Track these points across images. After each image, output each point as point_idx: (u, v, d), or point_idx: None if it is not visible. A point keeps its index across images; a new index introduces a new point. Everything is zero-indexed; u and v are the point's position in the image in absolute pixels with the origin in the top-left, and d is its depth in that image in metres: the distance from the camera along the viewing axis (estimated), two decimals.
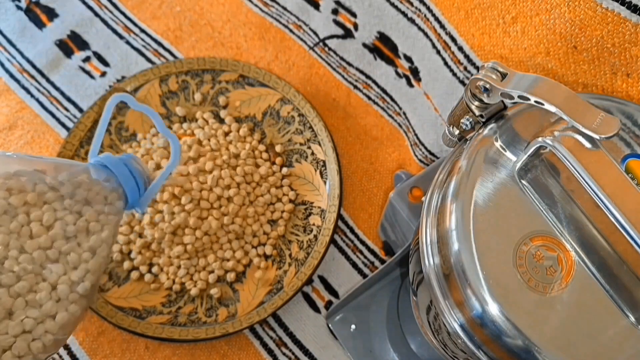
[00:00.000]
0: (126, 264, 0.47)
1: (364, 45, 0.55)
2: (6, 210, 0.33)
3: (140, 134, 0.52)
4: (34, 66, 0.57)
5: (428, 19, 0.47)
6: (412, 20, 0.49)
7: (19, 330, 0.32)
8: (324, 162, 0.51)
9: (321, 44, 0.57)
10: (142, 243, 0.47)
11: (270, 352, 0.47)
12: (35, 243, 0.33)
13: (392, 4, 0.51)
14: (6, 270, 0.32)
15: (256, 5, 0.58)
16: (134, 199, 0.39)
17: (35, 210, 0.34)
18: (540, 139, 0.27)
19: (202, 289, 0.47)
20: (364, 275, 0.50)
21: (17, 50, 0.58)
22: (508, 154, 0.29)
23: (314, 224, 0.49)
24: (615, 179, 0.26)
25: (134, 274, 0.47)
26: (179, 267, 0.47)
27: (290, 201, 0.50)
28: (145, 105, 0.41)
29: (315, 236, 0.48)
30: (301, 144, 0.52)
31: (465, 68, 0.44)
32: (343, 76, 0.56)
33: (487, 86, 0.29)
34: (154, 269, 0.47)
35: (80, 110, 0.55)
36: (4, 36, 0.58)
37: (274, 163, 0.52)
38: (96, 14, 0.59)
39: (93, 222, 0.36)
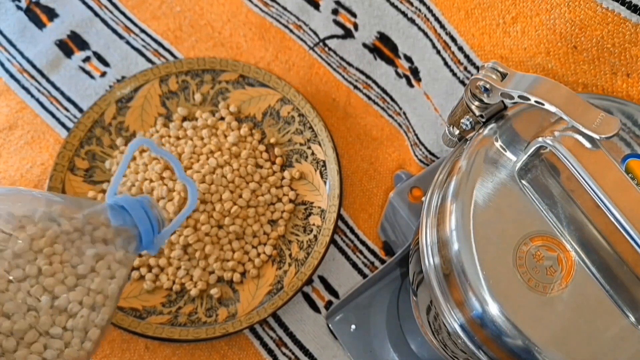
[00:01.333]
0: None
1: (364, 45, 0.55)
2: (25, 251, 0.34)
3: (140, 133, 0.52)
4: (34, 66, 0.57)
5: (428, 19, 0.47)
6: (412, 20, 0.49)
7: None
8: (324, 162, 0.51)
9: (321, 44, 0.57)
10: None
11: (270, 352, 0.47)
12: (52, 281, 0.34)
13: (392, 4, 0.51)
14: (24, 306, 0.33)
15: (256, 5, 0.58)
16: (148, 240, 0.40)
17: (51, 250, 0.35)
18: (540, 139, 0.27)
19: (202, 290, 0.47)
20: (364, 275, 0.50)
21: (17, 50, 0.58)
22: (508, 154, 0.29)
23: (314, 224, 0.49)
24: (615, 179, 0.26)
25: (134, 274, 0.47)
26: (178, 267, 0.47)
27: (290, 201, 0.50)
28: (167, 151, 0.42)
29: (315, 236, 0.49)
30: (301, 144, 0.52)
31: (465, 68, 0.44)
32: (343, 76, 0.56)
33: (487, 86, 0.29)
34: (154, 270, 0.47)
35: (80, 110, 0.55)
36: (4, 36, 0.58)
37: (274, 163, 0.52)
38: (96, 14, 0.59)
39: (107, 261, 0.37)
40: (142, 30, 0.58)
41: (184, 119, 0.53)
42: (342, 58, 0.56)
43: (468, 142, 0.31)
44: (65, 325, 0.34)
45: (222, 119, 0.53)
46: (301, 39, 0.57)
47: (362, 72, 0.56)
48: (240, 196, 0.48)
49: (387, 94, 0.55)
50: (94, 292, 0.35)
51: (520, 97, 0.28)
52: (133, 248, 0.39)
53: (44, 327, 0.33)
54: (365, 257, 0.50)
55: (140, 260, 0.47)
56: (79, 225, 0.36)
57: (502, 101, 0.30)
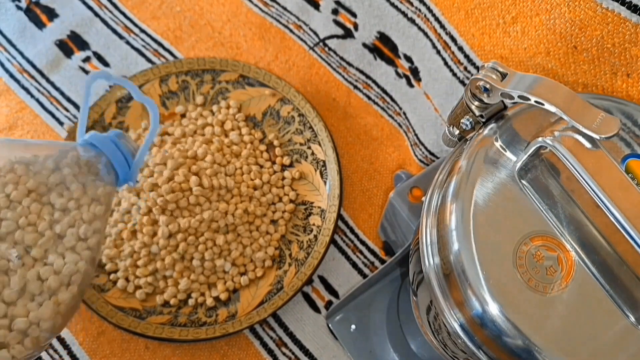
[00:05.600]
0: (121, 282, 0.47)
1: (364, 45, 0.55)
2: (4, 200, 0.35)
3: (139, 131, 0.52)
4: (34, 66, 0.57)
5: (428, 19, 0.47)
6: (412, 20, 0.49)
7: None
8: (324, 162, 0.51)
9: (321, 44, 0.57)
10: (142, 248, 0.47)
11: (270, 352, 0.47)
12: (33, 226, 0.35)
13: (392, 4, 0.51)
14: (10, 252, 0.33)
15: (256, 5, 0.58)
16: (124, 172, 0.40)
17: (30, 195, 0.35)
18: (540, 139, 0.27)
19: (202, 292, 0.47)
20: (364, 275, 0.50)
21: (17, 50, 0.58)
22: (508, 154, 0.29)
23: (314, 224, 0.49)
24: (615, 179, 0.26)
25: (136, 281, 0.47)
26: (177, 268, 0.47)
27: (291, 201, 0.50)
28: (119, 78, 0.42)
29: (315, 236, 0.49)
30: (301, 144, 0.52)
31: (465, 68, 0.44)
32: (343, 76, 0.56)
33: (487, 86, 0.29)
34: (153, 276, 0.47)
35: None
36: (4, 36, 0.58)
37: (274, 163, 0.52)
38: (96, 14, 0.59)
39: (85, 197, 0.37)
40: (142, 30, 0.58)
41: (184, 115, 0.53)
42: (342, 58, 0.56)
43: (468, 142, 0.31)
44: (49, 272, 0.34)
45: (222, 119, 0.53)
46: (301, 39, 0.57)
47: (362, 72, 0.56)
48: (241, 196, 0.48)
49: (387, 94, 0.55)
50: (73, 237, 0.36)
51: (520, 97, 0.28)
52: (110, 183, 0.39)
53: (20, 280, 0.33)
54: (365, 257, 0.50)
55: (141, 271, 0.47)
56: (48, 169, 0.36)
57: (502, 101, 0.30)
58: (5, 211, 0.34)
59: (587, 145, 0.26)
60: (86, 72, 0.57)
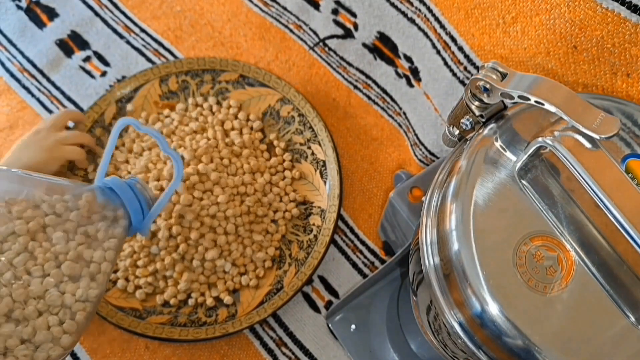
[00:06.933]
0: (121, 282, 0.47)
1: (364, 45, 0.55)
2: (13, 232, 0.34)
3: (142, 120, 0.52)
4: (34, 66, 0.57)
5: (428, 19, 0.47)
6: (412, 20, 0.49)
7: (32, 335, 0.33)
8: (324, 162, 0.51)
9: (321, 44, 0.57)
10: (142, 248, 0.47)
11: (270, 352, 0.47)
12: (40, 262, 0.34)
13: (392, 4, 0.51)
14: (15, 285, 0.33)
15: (256, 5, 0.58)
16: (137, 220, 0.40)
17: (40, 231, 0.35)
18: (540, 139, 0.27)
19: (202, 292, 0.47)
20: (364, 275, 0.50)
21: (18, 49, 0.58)
22: (508, 154, 0.29)
23: (314, 224, 0.49)
24: (615, 179, 0.26)
25: (136, 281, 0.47)
26: (178, 268, 0.47)
27: (291, 201, 0.50)
28: (149, 128, 0.42)
29: (315, 236, 0.48)
30: (301, 144, 0.52)
31: (465, 68, 0.44)
32: (343, 76, 0.56)
33: (487, 86, 0.29)
34: (155, 276, 0.47)
35: (81, 109, 0.55)
36: (5, 36, 0.58)
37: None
38: (96, 14, 0.59)
39: (96, 241, 0.37)
40: (143, 30, 0.58)
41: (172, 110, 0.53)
42: (342, 58, 0.56)
43: (468, 142, 0.31)
44: (48, 304, 0.34)
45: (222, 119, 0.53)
46: (301, 39, 0.57)
47: (362, 72, 0.56)
48: (242, 196, 0.48)
49: (387, 94, 0.55)
50: (79, 278, 0.35)
51: (520, 97, 0.28)
52: (122, 230, 0.39)
53: (27, 311, 0.33)
54: (365, 257, 0.50)
55: (141, 271, 0.47)
56: (63, 209, 0.36)
57: (502, 101, 0.30)
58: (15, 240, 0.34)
59: (587, 145, 0.26)
60: (86, 71, 0.57)
